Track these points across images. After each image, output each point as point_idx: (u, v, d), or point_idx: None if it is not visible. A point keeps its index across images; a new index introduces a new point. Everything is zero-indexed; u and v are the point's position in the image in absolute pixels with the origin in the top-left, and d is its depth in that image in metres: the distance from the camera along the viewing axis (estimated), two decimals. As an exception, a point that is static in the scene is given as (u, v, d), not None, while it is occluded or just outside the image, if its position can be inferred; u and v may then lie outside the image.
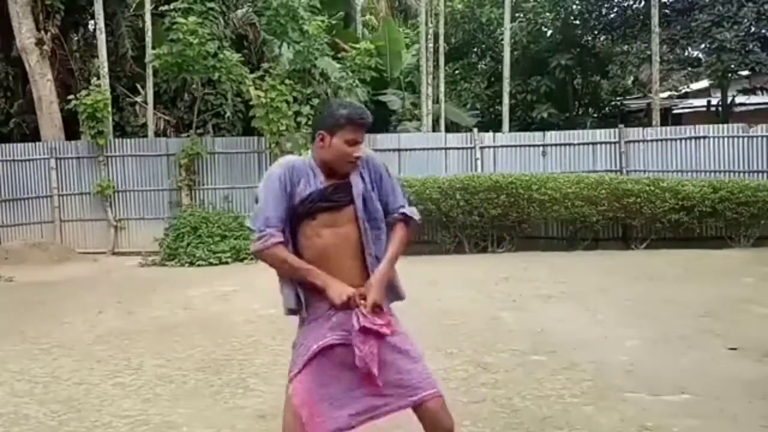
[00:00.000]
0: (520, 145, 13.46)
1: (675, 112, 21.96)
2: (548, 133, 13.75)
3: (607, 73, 19.99)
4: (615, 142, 13.09)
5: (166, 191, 13.47)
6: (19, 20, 13.69)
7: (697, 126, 13.73)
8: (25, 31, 13.71)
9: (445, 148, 13.43)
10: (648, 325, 6.05)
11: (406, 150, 13.30)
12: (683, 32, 16.75)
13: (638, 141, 13.10)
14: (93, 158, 13.37)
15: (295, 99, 12.91)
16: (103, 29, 14.02)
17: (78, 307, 7.79)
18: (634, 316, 6.46)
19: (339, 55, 14.52)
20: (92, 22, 15.30)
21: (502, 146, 13.43)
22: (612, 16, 19.54)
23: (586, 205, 11.54)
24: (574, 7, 19.48)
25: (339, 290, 2.50)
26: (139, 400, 4.50)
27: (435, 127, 15.88)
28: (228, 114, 14.98)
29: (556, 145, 13.27)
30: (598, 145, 13.19)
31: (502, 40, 16.87)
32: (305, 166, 2.63)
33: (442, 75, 16.56)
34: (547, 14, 19.62)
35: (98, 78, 13.75)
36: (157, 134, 14.51)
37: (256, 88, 12.77)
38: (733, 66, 16.30)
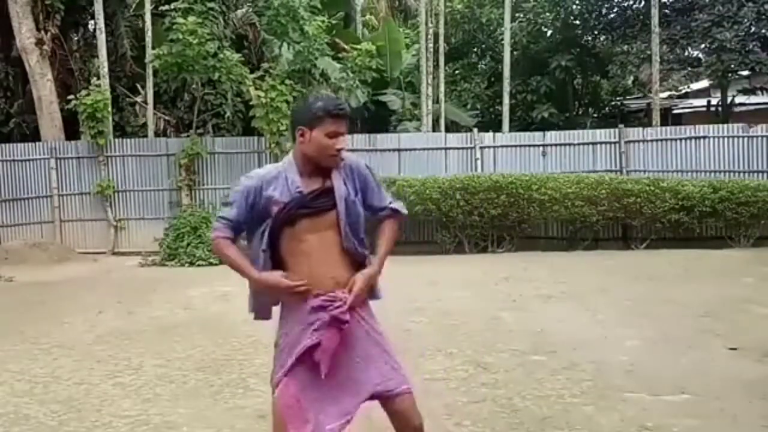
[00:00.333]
0: (520, 145, 13.46)
1: (675, 112, 21.96)
2: (548, 133, 13.75)
3: (607, 73, 19.99)
4: (615, 142, 13.09)
5: (166, 191, 13.47)
6: (19, 20, 13.69)
7: (697, 126, 13.73)
8: (25, 31, 13.71)
9: (445, 148, 13.43)
10: (648, 325, 6.05)
11: (406, 150, 13.30)
12: (683, 32, 16.75)
13: (638, 141, 13.10)
14: (93, 158, 13.37)
15: (295, 99, 12.90)
16: (103, 29, 14.02)
17: (78, 307, 7.79)
18: (634, 316, 6.46)
19: (339, 56, 14.52)
20: (92, 22, 15.29)
21: (502, 146, 13.43)
22: (612, 16, 19.54)
23: (586, 205, 11.54)
24: (574, 7, 19.49)
25: (275, 282, 2.53)
26: (139, 400, 4.50)
27: (435, 127, 15.88)
28: (228, 114, 14.98)
29: (556, 145, 13.27)
30: (598, 145, 13.19)
31: (502, 40, 16.88)
32: (279, 173, 2.60)
33: (442, 75, 16.56)
34: (547, 14, 19.62)
35: (98, 78, 13.74)
36: (157, 134, 14.52)
37: (256, 88, 12.77)
38: (733, 66, 16.31)
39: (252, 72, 13.30)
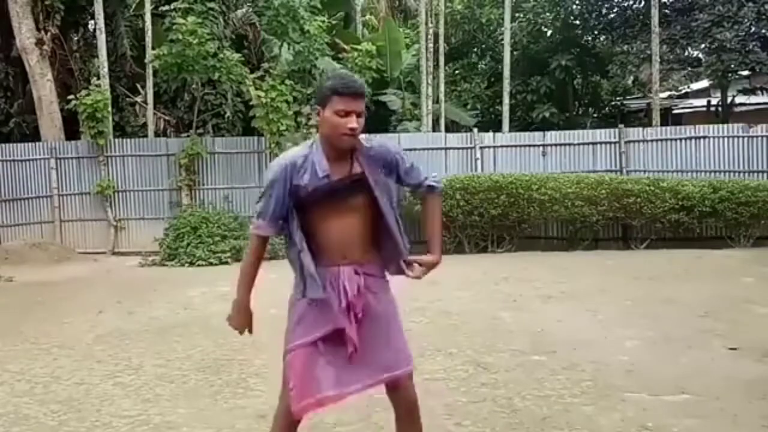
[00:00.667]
0: (520, 145, 13.46)
1: (675, 112, 21.98)
2: (548, 133, 13.75)
3: (607, 73, 20.00)
4: (615, 142, 13.09)
5: (166, 191, 13.47)
6: (19, 20, 13.69)
7: (697, 126, 13.74)
8: (25, 31, 13.71)
9: (445, 148, 13.43)
10: (648, 325, 6.05)
11: (406, 150, 13.13)
12: (683, 32, 16.76)
13: (638, 141, 13.10)
14: (93, 158, 13.37)
15: (295, 99, 12.91)
16: (103, 29, 14.02)
17: (78, 307, 7.79)
18: (634, 316, 6.46)
19: (339, 56, 14.53)
20: (92, 22, 15.30)
21: (502, 146, 13.43)
22: (612, 16, 19.55)
23: (586, 205, 11.54)
24: (574, 7, 19.50)
25: (235, 319, 2.72)
26: (139, 400, 4.50)
27: (435, 127, 15.88)
28: (228, 114, 14.99)
29: (556, 145, 13.27)
30: (598, 145, 13.19)
31: (502, 40, 16.88)
32: (306, 157, 2.61)
33: (442, 75, 16.56)
34: (547, 14, 19.64)
35: (98, 78, 13.75)
36: (157, 134, 14.52)
37: (256, 88, 12.77)
38: (733, 66, 16.31)
39: (252, 72, 13.30)
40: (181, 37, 12.24)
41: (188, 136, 13.72)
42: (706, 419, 3.87)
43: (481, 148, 13.27)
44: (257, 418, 4.06)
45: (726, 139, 12.87)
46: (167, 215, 13.12)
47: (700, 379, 4.55)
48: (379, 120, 17.33)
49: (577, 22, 19.85)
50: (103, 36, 14.02)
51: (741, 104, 19.26)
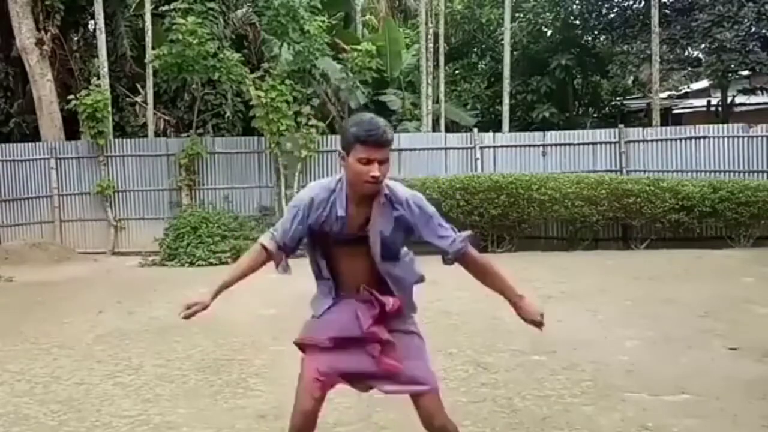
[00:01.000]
0: (520, 145, 13.46)
1: (675, 112, 21.97)
2: (548, 133, 13.75)
3: (607, 73, 20.00)
4: (615, 142, 13.09)
5: (166, 191, 13.48)
6: (19, 20, 13.70)
7: (697, 126, 13.74)
8: (25, 31, 13.71)
9: (445, 148, 13.43)
10: (648, 325, 6.05)
11: (406, 150, 13.29)
12: (683, 32, 16.75)
13: (638, 141, 13.10)
14: (93, 158, 13.37)
15: (296, 99, 12.90)
16: (103, 29, 14.03)
17: (78, 307, 7.79)
18: (634, 316, 6.46)
19: (339, 56, 14.52)
20: (92, 22, 15.30)
21: (502, 146, 13.43)
22: (612, 16, 19.54)
23: (586, 205, 11.54)
24: (574, 7, 19.49)
25: (194, 298, 2.66)
26: (139, 400, 4.50)
27: (435, 127, 15.88)
28: (228, 114, 14.99)
29: (556, 145, 13.27)
30: (598, 145, 13.19)
31: (502, 40, 16.88)
32: (331, 195, 2.61)
33: (442, 75, 16.56)
34: (547, 14, 19.63)
35: (98, 78, 13.75)
36: (157, 134, 14.52)
37: (256, 88, 12.77)
38: (733, 66, 16.31)
39: (252, 72, 13.29)
40: (181, 37, 12.24)
41: (188, 136, 13.72)
42: (706, 419, 3.87)
43: (481, 148, 13.27)
44: (257, 418, 4.06)
45: (726, 139, 12.87)
46: (167, 215, 13.12)
47: (700, 379, 4.55)
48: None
49: (577, 22, 19.84)
50: (103, 36, 14.02)
51: (741, 104, 19.25)
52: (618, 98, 21.51)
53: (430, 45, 15.85)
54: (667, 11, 17.13)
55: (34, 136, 14.37)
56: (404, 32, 19.88)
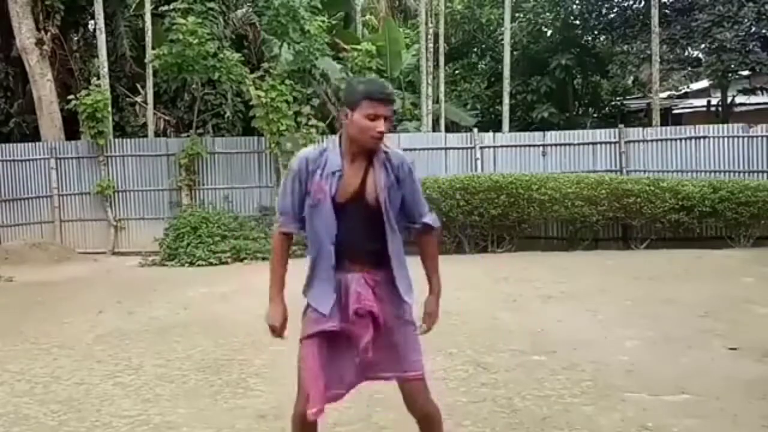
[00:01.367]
0: (520, 145, 13.45)
1: (675, 112, 21.98)
2: (548, 133, 13.75)
3: (607, 73, 20.01)
4: (615, 142, 13.09)
5: (166, 191, 13.47)
6: (19, 20, 13.69)
7: (697, 126, 13.73)
8: (25, 31, 13.71)
9: (445, 148, 13.43)
10: (648, 325, 6.05)
11: (406, 150, 13.14)
12: (683, 32, 16.76)
13: (638, 141, 13.10)
14: (93, 158, 13.37)
15: (296, 99, 12.90)
16: (103, 29, 14.03)
17: (78, 307, 7.79)
18: (634, 316, 6.46)
19: (339, 56, 14.52)
20: (92, 22, 15.30)
21: (502, 146, 13.43)
22: (612, 16, 19.56)
23: (586, 205, 11.54)
24: (574, 7, 19.50)
25: (271, 317, 2.75)
26: (139, 400, 4.50)
27: (435, 127, 15.88)
28: (228, 114, 14.99)
29: (556, 145, 13.27)
30: (598, 145, 13.18)
31: (502, 40, 16.88)
32: (321, 153, 2.68)
33: (442, 75, 16.56)
34: (547, 14, 19.64)
35: (98, 78, 13.75)
36: (157, 134, 14.52)
37: (256, 88, 12.77)
38: (733, 66, 16.31)
39: (252, 72, 13.30)
40: (181, 37, 12.23)
41: (188, 136, 13.72)
42: (706, 419, 3.87)
43: (481, 148, 13.27)
44: (257, 418, 4.06)
45: (726, 139, 12.86)
46: (167, 215, 13.12)
47: (700, 379, 4.55)
48: (379, 120, 17.31)
49: (577, 22, 19.85)
50: (103, 36, 14.02)
51: (741, 104, 19.26)
52: (618, 98, 21.52)
53: (430, 45, 15.86)
54: (667, 11, 17.13)
55: (34, 136, 14.36)
56: (404, 32, 19.88)
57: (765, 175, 12.49)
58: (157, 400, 4.48)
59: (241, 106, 14.77)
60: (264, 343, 5.65)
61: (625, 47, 18.57)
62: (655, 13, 14.80)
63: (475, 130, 14.21)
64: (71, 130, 14.31)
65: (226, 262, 11.39)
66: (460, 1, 21.80)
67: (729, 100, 19.07)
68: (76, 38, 16.36)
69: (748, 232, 11.66)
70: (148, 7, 14.08)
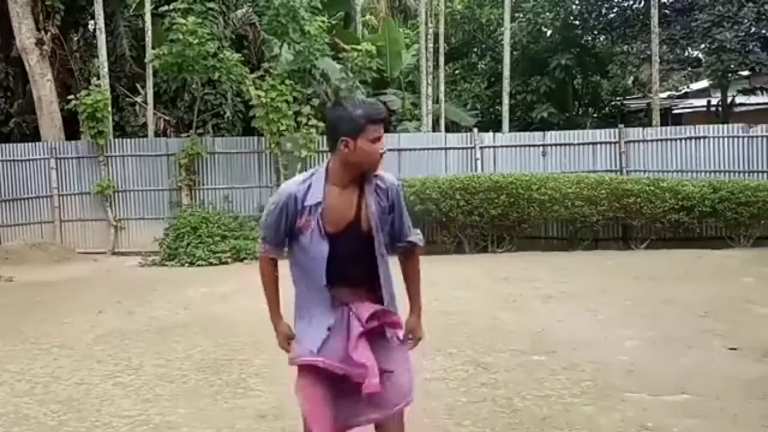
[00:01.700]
0: (520, 145, 13.45)
1: (675, 112, 21.98)
2: (548, 133, 13.75)
3: (607, 73, 20.00)
4: (615, 142, 13.09)
5: (166, 191, 13.47)
6: (19, 20, 13.69)
7: (697, 126, 13.74)
8: (25, 31, 13.71)
9: (445, 148, 13.43)
10: (648, 325, 6.05)
11: (406, 150, 13.28)
12: (683, 32, 16.75)
13: (638, 141, 13.10)
14: (93, 158, 13.37)
15: (296, 99, 12.90)
16: (103, 29, 14.02)
17: (78, 307, 7.79)
18: (634, 316, 6.46)
19: (339, 56, 14.52)
20: (92, 22, 15.30)
21: (502, 146, 13.42)
22: (612, 16, 19.55)
23: (586, 205, 11.54)
24: (574, 7, 19.50)
25: (282, 342, 2.73)
26: (139, 400, 4.50)
27: (435, 127, 15.88)
28: (228, 114, 14.98)
29: (556, 145, 13.27)
30: (598, 145, 13.18)
31: (502, 40, 16.88)
32: (302, 186, 2.58)
33: (442, 75, 16.56)
34: (547, 14, 19.63)
35: (98, 78, 13.75)
36: (157, 134, 14.51)
37: (256, 88, 12.77)
38: (733, 66, 16.30)
39: (252, 72, 13.29)
40: (181, 37, 12.23)
41: (188, 136, 13.72)
42: (706, 419, 3.87)
43: (481, 148, 13.27)
44: (257, 418, 4.06)
45: (726, 139, 12.87)
46: (167, 215, 13.12)
47: (700, 379, 4.55)
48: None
49: (577, 22, 19.85)
50: (103, 36, 14.01)
51: (741, 104, 19.25)
52: (618, 98, 21.52)
53: (430, 45, 15.85)
54: (667, 11, 17.13)
55: (34, 136, 14.36)
56: (404, 32, 19.90)
57: (765, 175, 12.50)
58: (157, 400, 4.48)
59: (241, 106, 14.77)
60: (264, 343, 5.65)
61: (625, 47, 18.56)
62: (654, 13, 14.80)
63: (475, 130, 14.21)
64: (71, 130, 14.31)
65: (226, 262, 11.39)
66: (460, 1, 21.80)
67: (729, 100, 19.07)
68: (76, 38, 16.35)
69: (748, 232, 11.66)
70: (148, 7, 14.08)
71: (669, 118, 20.71)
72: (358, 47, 13.63)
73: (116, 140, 13.74)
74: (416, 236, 2.75)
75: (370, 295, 2.63)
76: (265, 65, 13.43)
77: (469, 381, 4.66)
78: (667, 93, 20.87)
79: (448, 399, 4.27)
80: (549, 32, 20.12)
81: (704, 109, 20.42)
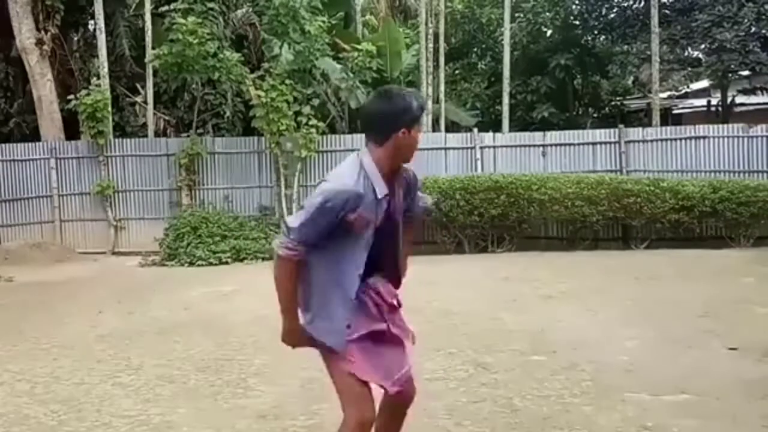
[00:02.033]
0: (520, 145, 13.45)
1: (675, 112, 21.99)
2: (548, 133, 13.75)
3: (607, 73, 20.02)
4: (615, 142, 13.09)
5: (166, 191, 13.47)
6: (19, 20, 13.70)
7: (697, 126, 13.74)
8: (25, 31, 13.71)
9: (445, 148, 13.42)
10: (648, 325, 6.05)
11: (406, 150, 13.24)
12: (683, 32, 16.76)
13: (638, 141, 13.10)
14: (93, 158, 13.37)
15: (296, 99, 12.90)
16: (103, 29, 14.03)
17: (78, 307, 7.79)
18: (634, 316, 6.46)
19: (339, 56, 14.52)
20: (92, 22, 15.30)
21: (502, 146, 13.42)
22: (612, 16, 19.57)
23: (586, 205, 11.53)
24: (574, 7, 19.52)
25: (287, 340, 2.73)
26: (139, 400, 4.50)
27: (435, 127, 15.89)
28: (228, 114, 14.99)
29: (556, 145, 13.26)
30: (598, 145, 13.18)
31: (502, 40, 16.89)
32: (366, 184, 2.49)
33: (442, 75, 16.57)
34: (547, 14, 19.64)
35: (98, 78, 13.75)
36: (157, 134, 14.52)
37: (256, 88, 12.77)
38: (733, 66, 16.31)
39: (252, 72, 13.29)
40: (181, 37, 12.22)
41: (188, 136, 13.72)
42: (706, 419, 3.87)
43: (481, 148, 13.27)
44: (257, 418, 4.06)
45: (726, 139, 12.86)
46: (167, 215, 13.11)
47: (700, 379, 4.55)
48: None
49: (577, 22, 19.87)
50: (103, 36, 14.02)
51: (741, 104, 19.25)
52: (618, 98, 21.52)
53: (430, 45, 15.86)
54: (667, 11, 17.14)
55: (34, 136, 14.36)
56: (404, 32, 19.86)
57: (765, 175, 12.49)
58: (157, 400, 4.48)
59: (241, 106, 14.78)
60: (264, 343, 5.66)
61: (625, 47, 18.57)
62: (654, 13, 14.80)
63: (475, 130, 14.22)
64: (71, 130, 14.31)
65: (226, 262, 11.39)
66: (460, 1, 21.80)
67: (729, 100, 19.07)
68: (76, 38, 16.37)
69: (748, 232, 11.66)
70: (148, 7, 14.08)
71: (669, 118, 20.72)
72: (359, 47, 13.62)
73: (116, 140, 13.75)
74: (424, 202, 2.85)
75: (392, 277, 2.73)
76: (265, 65, 13.44)
77: (469, 381, 4.65)
78: (667, 93, 20.88)
79: (448, 399, 4.27)
80: (549, 32, 20.14)
81: (704, 109, 20.44)
